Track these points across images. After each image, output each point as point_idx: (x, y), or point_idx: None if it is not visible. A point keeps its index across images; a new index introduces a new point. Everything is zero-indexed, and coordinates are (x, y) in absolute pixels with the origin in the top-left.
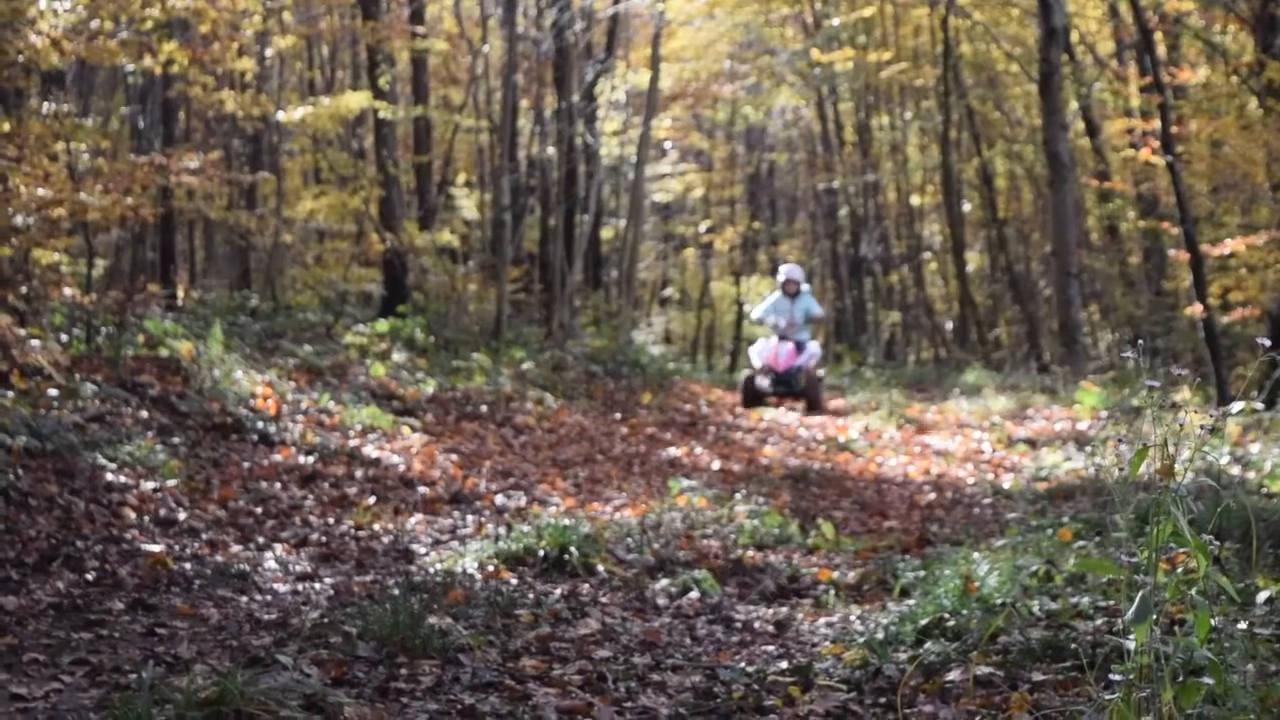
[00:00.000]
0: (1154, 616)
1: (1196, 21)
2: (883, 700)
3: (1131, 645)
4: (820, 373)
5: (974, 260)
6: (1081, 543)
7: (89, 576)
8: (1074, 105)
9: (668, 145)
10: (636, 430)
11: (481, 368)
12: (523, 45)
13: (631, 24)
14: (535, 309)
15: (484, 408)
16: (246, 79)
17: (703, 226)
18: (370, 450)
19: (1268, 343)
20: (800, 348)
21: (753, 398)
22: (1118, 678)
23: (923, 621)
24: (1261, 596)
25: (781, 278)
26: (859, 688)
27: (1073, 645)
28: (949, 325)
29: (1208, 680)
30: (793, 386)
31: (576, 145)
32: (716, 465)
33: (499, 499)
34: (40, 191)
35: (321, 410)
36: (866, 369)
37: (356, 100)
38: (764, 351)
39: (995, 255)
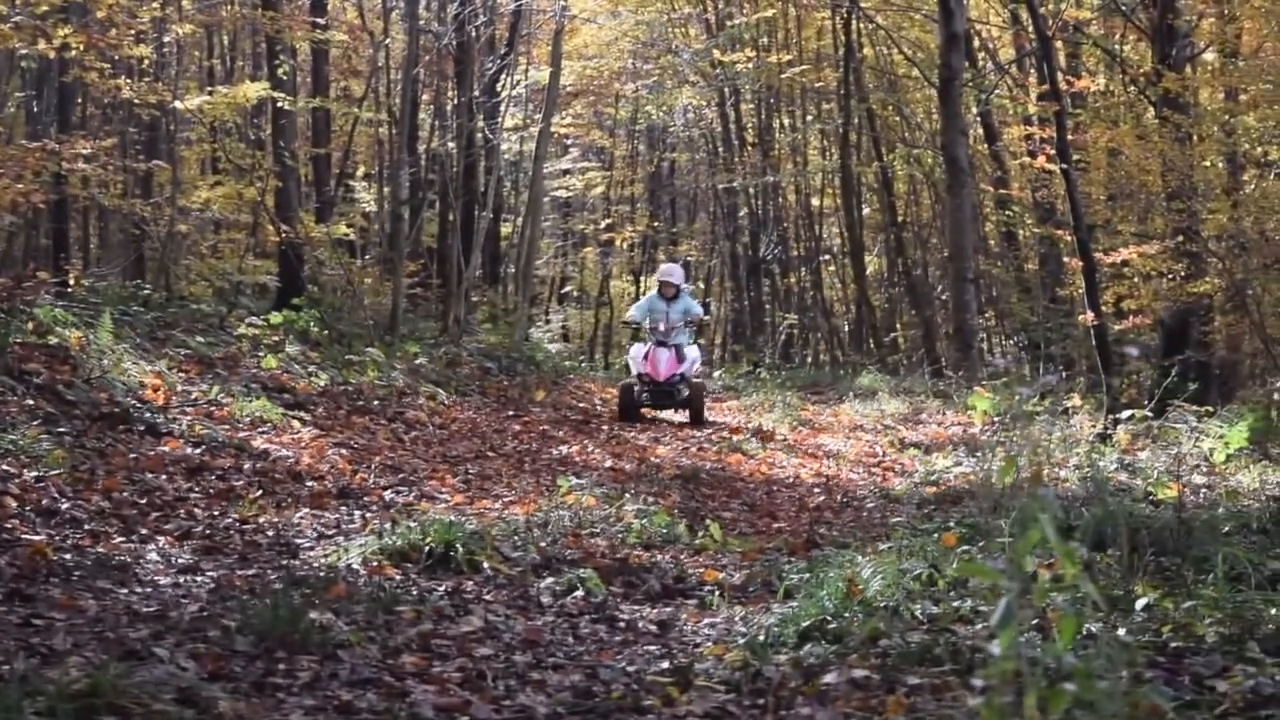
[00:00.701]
0: (1017, 622)
1: (1096, 30)
2: (761, 701)
3: (996, 650)
4: (701, 380)
5: (872, 264)
6: (966, 547)
7: None
8: (974, 111)
9: (569, 142)
10: (529, 427)
11: (375, 362)
12: (424, 38)
13: (534, 19)
14: (432, 304)
15: (376, 402)
16: (144, 66)
17: (603, 224)
18: (259, 443)
19: (1135, 351)
20: (680, 354)
21: (630, 409)
22: (982, 682)
23: (805, 624)
24: (1140, 604)
25: (658, 278)
26: (738, 689)
27: (951, 649)
28: (846, 328)
29: (1073, 687)
30: (674, 397)
31: (476, 140)
32: (608, 464)
33: (387, 494)
34: None
35: (211, 402)
36: (763, 370)
37: (255, 90)
38: (641, 359)
39: (893, 259)
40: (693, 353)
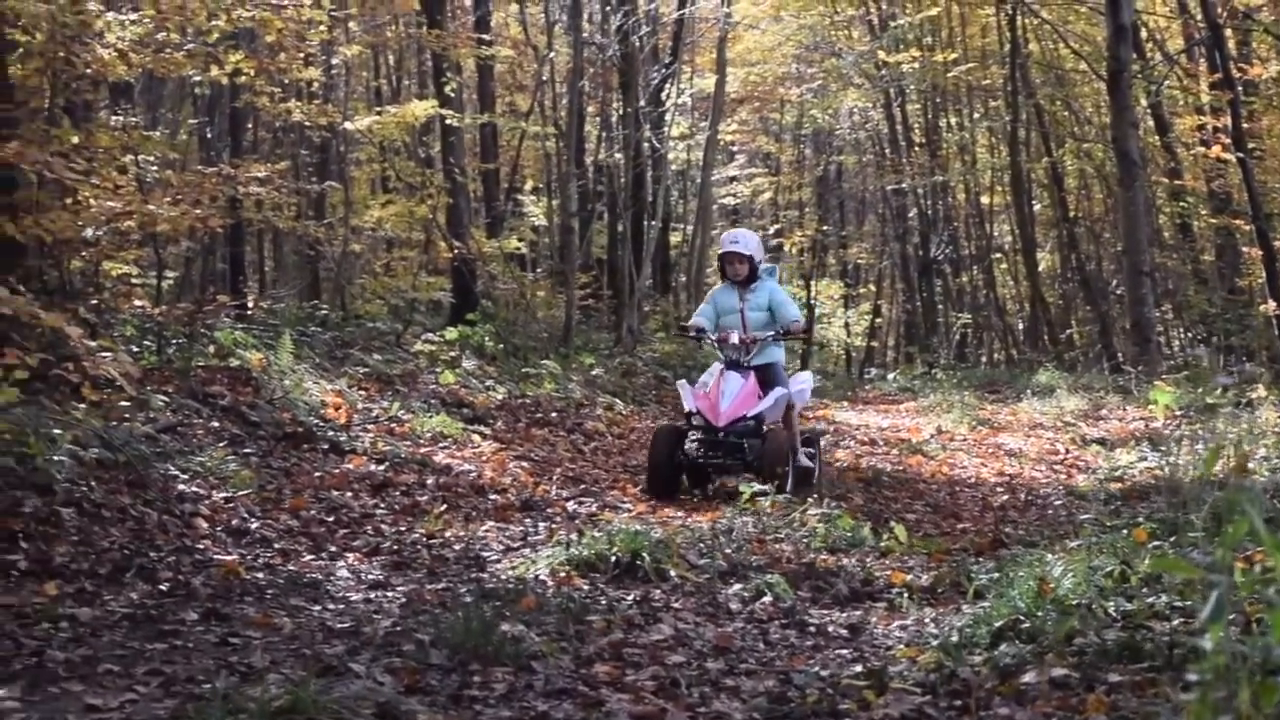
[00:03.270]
0: (1229, 615)
1: (1267, 16)
2: (958, 703)
3: (1207, 645)
4: (784, 426)
5: (1045, 260)
6: (1157, 543)
7: (162, 587)
8: (1143, 103)
9: (735, 149)
10: None
11: (551, 374)
12: (588, 51)
13: (697, 28)
14: (604, 315)
15: (554, 414)
16: (313, 88)
17: (771, 229)
18: (441, 458)
19: None
20: (765, 379)
21: (665, 475)
22: (1194, 678)
23: (997, 624)
24: None
25: (721, 248)
26: (934, 691)
27: (1149, 646)
28: (1020, 326)
29: None
30: (738, 454)
31: (643, 150)
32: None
33: (570, 505)
34: (109, 204)
35: (392, 419)
36: (938, 370)
37: (423, 108)
38: (693, 389)
39: (1066, 255)
40: (788, 380)
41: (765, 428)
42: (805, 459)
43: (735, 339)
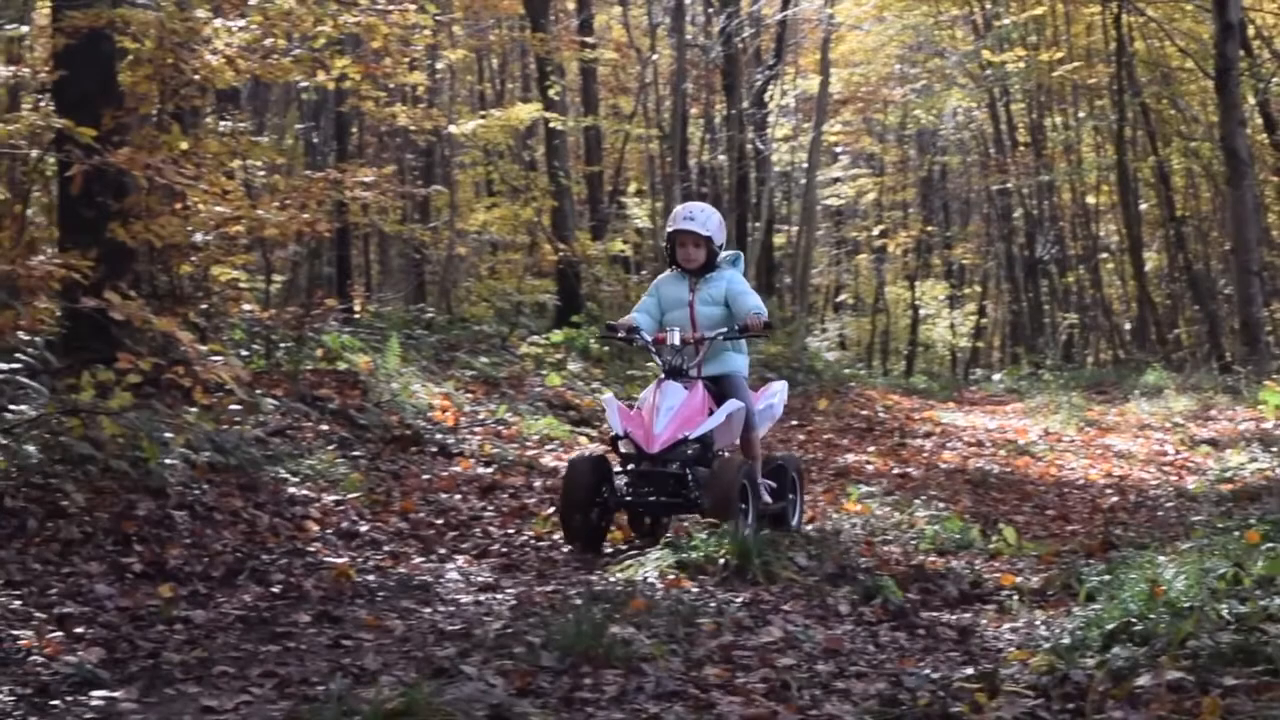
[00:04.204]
0: None
1: None
2: (1071, 706)
3: None
4: (741, 457)
5: (1152, 260)
6: (1270, 544)
7: (274, 589)
8: (1252, 101)
9: (838, 150)
10: (813, 436)
11: (655, 376)
12: (691, 52)
13: (800, 29)
14: None
15: None
16: (418, 93)
17: (875, 230)
18: (548, 460)
19: None
20: (718, 392)
21: (579, 520)
22: None
23: (1109, 626)
24: None
25: (672, 224)
26: (1046, 694)
27: (1265, 650)
28: (1127, 326)
29: None
30: (679, 490)
31: (747, 152)
32: (894, 470)
33: None
34: (218, 209)
35: (499, 421)
36: (1044, 371)
37: (527, 111)
38: (619, 408)
39: (1174, 254)
40: (749, 394)
41: (715, 453)
42: (767, 495)
43: (677, 339)
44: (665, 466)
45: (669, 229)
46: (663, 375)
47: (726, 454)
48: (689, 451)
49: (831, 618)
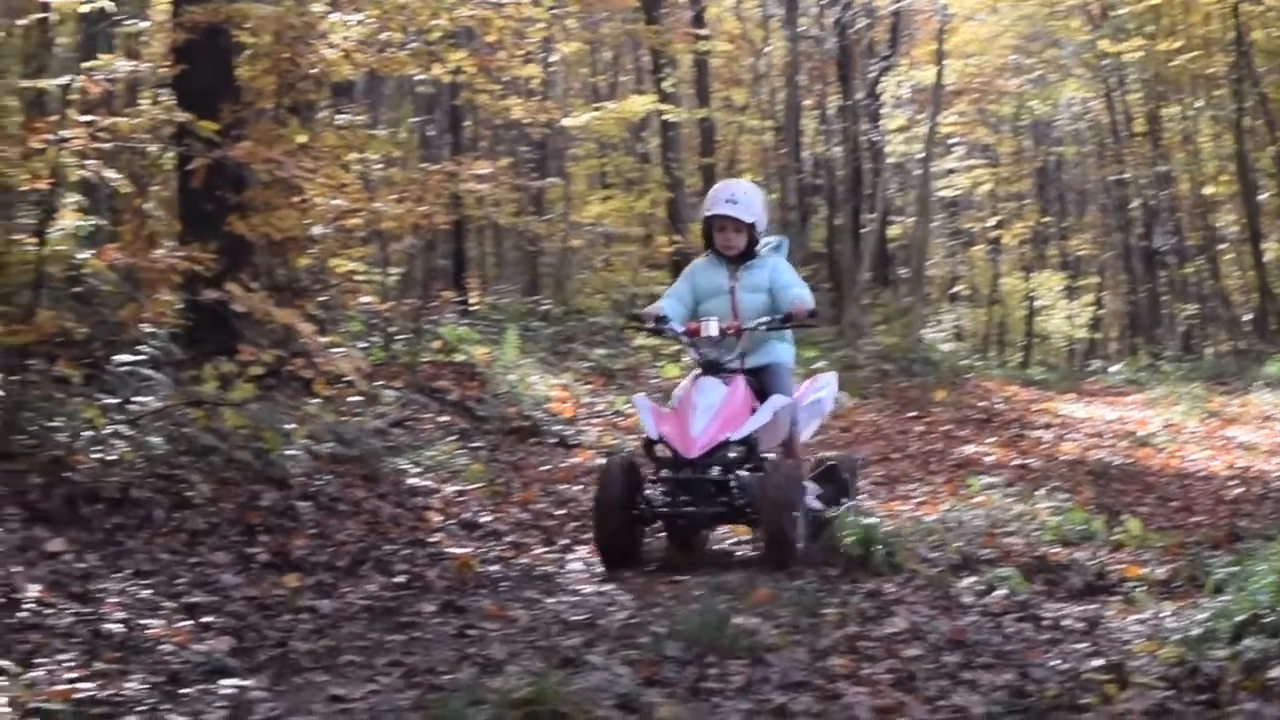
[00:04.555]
0: None
1: None
2: (1202, 698)
3: None
4: (793, 459)
5: (1272, 250)
6: None
7: (398, 579)
8: None
9: (953, 141)
10: (932, 427)
11: (690, 370)
12: (805, 44)
13: (914, 20)
14: (823, 308)
15: None
16: (532, 85)
17: (991, 222)
18: (666, 451)
19: None
20: (761, 387)
21: (618, 538)
22: None
23: (1239, 618)
24: None
25: (709, 208)
26: (1177, 685)
27: None
28: (1247, 317)
29: None
30: (722, 499)
31: (861, 143)
32: (1014, 461)
33: None
34: (336, 202)
35: (616, 412)
36: (1163, 362)
37: (641, 104)
38: (653, 410)
39: None
40: (793, 387)
41: (762, 456)
42: (816, 500)
43: (714, 329)
44: (705, 472)
45: (706, 213)
46: (699, 370)
47: (773, 456)
48: (732, 455)
49: (955, 608)
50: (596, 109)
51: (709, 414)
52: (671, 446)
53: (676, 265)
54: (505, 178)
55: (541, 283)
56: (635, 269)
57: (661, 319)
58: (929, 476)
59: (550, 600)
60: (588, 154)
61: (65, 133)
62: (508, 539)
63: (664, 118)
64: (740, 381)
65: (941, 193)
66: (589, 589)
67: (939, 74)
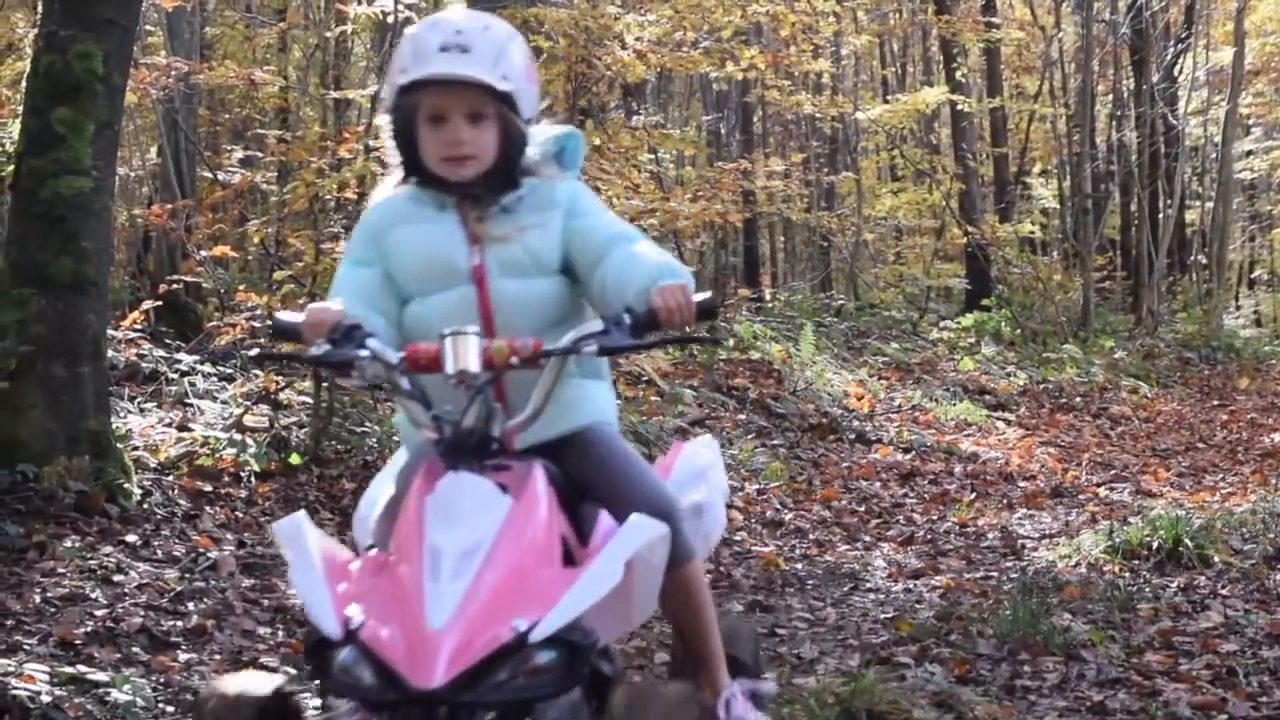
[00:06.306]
0: None
1: None
2: None
3: None
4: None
5: None
6: None
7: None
8: None
9: (1250, 122)
10: (1236, 416)
11: (1072, 358)
12: (1098, 28)
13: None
14: (1118, 296)
15: (1077, 399)
16: (823, 80)
17: None
18: (966, 445)
19: None
20: (578, 487)
21: None
22: None
23: None
24: None
25: (405, 69)
26: None
27: None
28: None
29: None
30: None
31: (1158, 127)
32: None
33: (1102, 491)
34: (632, 202)
35: (915, 407)
36: None
37: (934, 95)
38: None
39: None
40: (651, 471)
41: (599, 667)
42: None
43: (471, 356)
44: None
45: (400, 79)
46: (436, 455)
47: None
48: (517, 680)
49: (1273, 602)
50: (887, 101)
51: (466, 577)
52: (385, 663)
53: (970, 256)
54: (797, 173)
55: (834, 278)
56: (928, 262)
57: (349, 332)
58: (1236, 466)
59: (856, 598)
60: (877, 147)
61: (372, 142)
62: (811, 536)
63: (956, 108)
64: (534, 478)
65: (1239, 175)
66: (895, 587)
67: (1238, 54)
